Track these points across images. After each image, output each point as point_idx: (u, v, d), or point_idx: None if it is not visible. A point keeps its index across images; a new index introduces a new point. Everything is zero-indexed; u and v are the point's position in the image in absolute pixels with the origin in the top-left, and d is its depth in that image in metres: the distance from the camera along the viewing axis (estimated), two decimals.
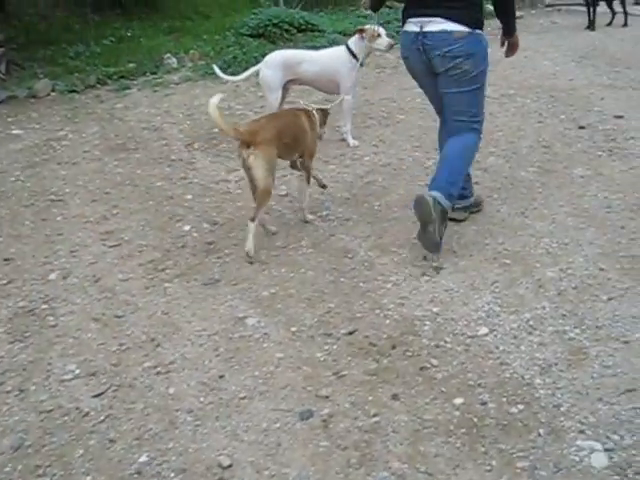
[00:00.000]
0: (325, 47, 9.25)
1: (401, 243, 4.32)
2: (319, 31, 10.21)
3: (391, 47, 5.81)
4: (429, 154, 5.76)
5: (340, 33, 10.14)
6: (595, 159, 5.55)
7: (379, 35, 5.82)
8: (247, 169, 4.07)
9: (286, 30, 9.98)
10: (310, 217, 4.67)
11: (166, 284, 3.96)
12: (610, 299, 3.59)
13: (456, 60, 3.90)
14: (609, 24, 11.38)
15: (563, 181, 5.15)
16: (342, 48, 5.96)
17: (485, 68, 4.03)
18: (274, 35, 9.94)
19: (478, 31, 3.90)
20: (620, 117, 6.56)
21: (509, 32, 4.19)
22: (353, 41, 5.88)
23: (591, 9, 11.21)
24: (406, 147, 6.00)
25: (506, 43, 4.30)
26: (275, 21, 10.12)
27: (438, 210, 3.90)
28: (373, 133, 6.39)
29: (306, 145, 4.42)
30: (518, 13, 11.45)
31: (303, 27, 10.15)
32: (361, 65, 5.86)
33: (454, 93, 4.07)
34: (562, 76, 8.15)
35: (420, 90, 4.52)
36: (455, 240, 4.32)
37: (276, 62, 5.92)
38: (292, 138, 4.27)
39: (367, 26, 5.93)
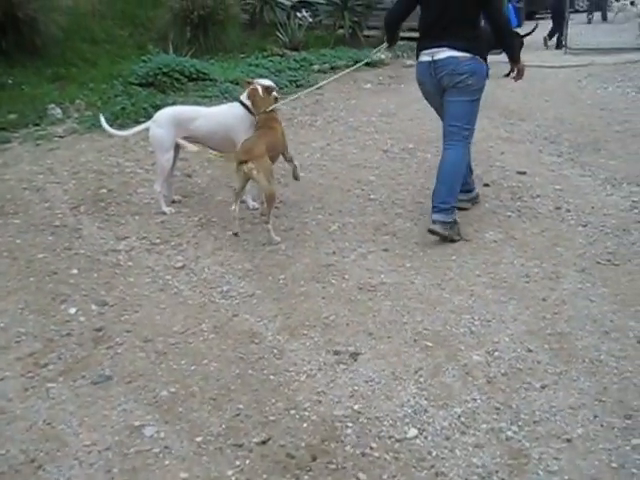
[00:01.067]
0: (217, 97, 8.97)
1: (311, 323, 3.95)
2: (210, 80, 9.83)
3: (276, 100, 5.42)
4: (333, 216, 5.44)
5: (232, 82, 9.79)
6: (505, 220, 5.36)
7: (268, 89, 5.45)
8: (249, 180, 4.97)
9: (176, 79, 9.53)
10: None
11: (49, 384, 3.44)
12: (544, 387, 3.33)
13: (462, 76, 4.84)
14: (507, 75, 11.45)
15: (476, 246, 4.92)
16: (236, 104, 5.57)
17: (483, 86, 4.98)
18: (164, 84, 9.48)
19: (479, 57, 4.88)
20: (523, 173, 6.45)
21: (512, 59, 5.10)
22: (246, 95, 5.51)
23: None
24: (308, 209, 5.65)
25: (515, 70, 5.16)
26: (165, 70, 9.66)
27: (448, 227, 4.96)
28: None
29: (284, 144, 5.44)
30: (409, 62, 11.48)
31: (194, 76, 9.73)
32: None
33: (456, 101, 4.95)
34: None
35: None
36: (370, 318, 3.98)
37: (167, 119, 5.50)
38: (276, 146, 5.21)
39: (260, 80, 5.57)
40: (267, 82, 5.58)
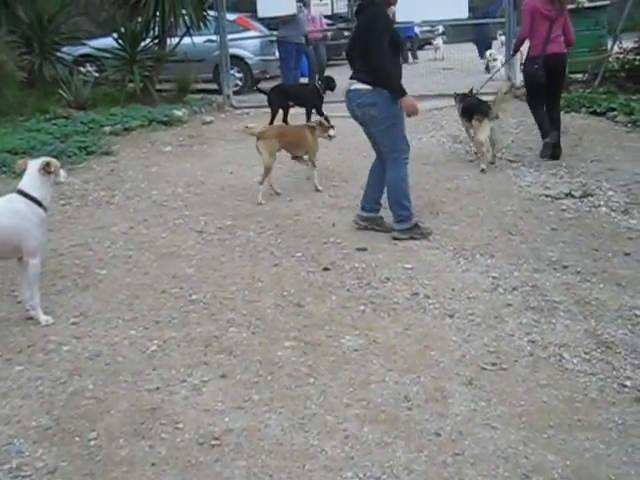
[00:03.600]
0: None
1: None
2: None
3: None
4: (149, 331, 4.29)
5: (10, 152, 8.33)
6: (360, 317, 4.45)
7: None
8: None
9: None
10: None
11: None
12: None
13: (364, 108, 5.55)
14: None
15: (335, 359, 3.96)
16: (15, 197, 4.28)
17: (389, 114, 5.51)
18: None
19: (379, 88, 5.42)
20: (363, 250, 5.59)
21: (395, 97, 5.48)
22: (30, 181, 4.24)
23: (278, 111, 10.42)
24: (116, 323, 4.44)
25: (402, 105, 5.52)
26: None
27: (409, 232, 5.80)
28: (69, 302, 4.77)
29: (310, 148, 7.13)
30: (208, 118, 10.50)
31: None
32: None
33: (373, 131, 5.72)
34: (281, 198, 7.08)
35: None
36: None
37: None
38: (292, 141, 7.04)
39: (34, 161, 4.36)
40: (46, 159, 4.33)
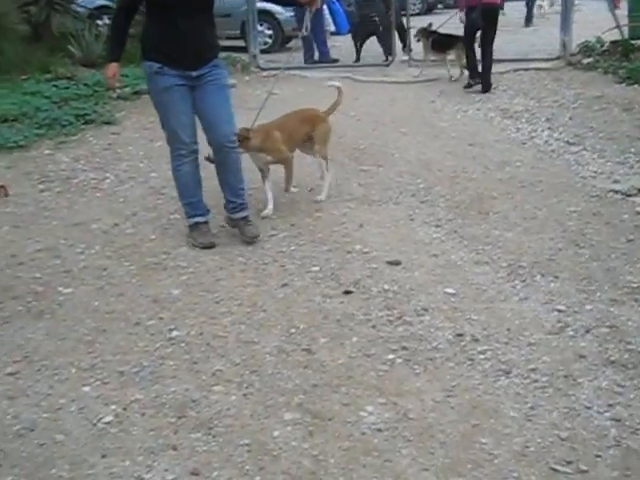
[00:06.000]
0: None
1: None
2: None
3: None
4: (109, 386, 3.33)
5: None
6: (388, 373, 3.42)
7: None
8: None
9: None
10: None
11: None
12: None
13: None
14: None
15: (350, 447, 2.95)
16: None
17: (150, 89, 4.70)
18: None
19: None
20: (396, 264, 4.50)
21: None
22: None
23: None
24: (68, 373, 3.45)
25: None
26: None
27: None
28: (13, 337, 3.76)
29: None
30: (230, 81, 9.33)
31: None
32: None
33: None
34: (300, 185, 5.95)
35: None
36: None
37: None
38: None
39: None
40: None
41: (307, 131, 5.39)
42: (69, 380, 3.36)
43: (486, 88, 9.48)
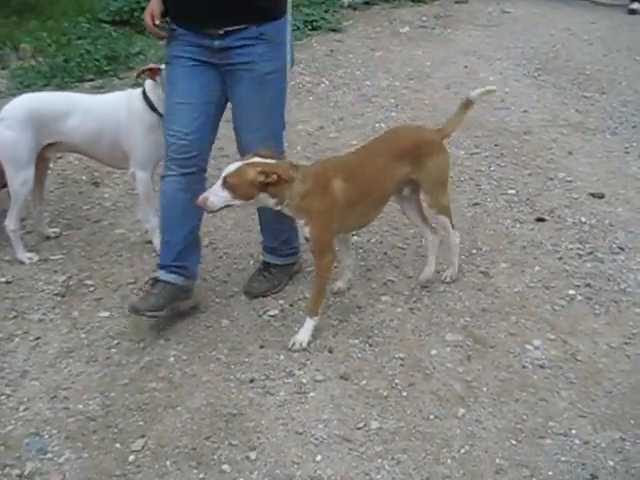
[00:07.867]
0: None
1: None
2: None
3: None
4: None
5: None
6: (564, 313, 3.16)
7: None
8: None
9: None
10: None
11: None
12: None
13: None
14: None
15: None
16: (135, 93, 3.45)
17: None
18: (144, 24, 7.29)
19: None
20: (599, 197, 4.19)
21: None
22: (151, 85, 3.38)
23: None
24: None
25: None
26: (145, 4, 7.45)
27: None
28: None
29: None
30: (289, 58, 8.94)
31: None
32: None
33: None
34: (514, 105, 5.67)
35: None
36: None
37: (22, 115, 3.41)
38: None
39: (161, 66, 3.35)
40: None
41: (407, 172, 3.14)
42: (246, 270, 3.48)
43: None
